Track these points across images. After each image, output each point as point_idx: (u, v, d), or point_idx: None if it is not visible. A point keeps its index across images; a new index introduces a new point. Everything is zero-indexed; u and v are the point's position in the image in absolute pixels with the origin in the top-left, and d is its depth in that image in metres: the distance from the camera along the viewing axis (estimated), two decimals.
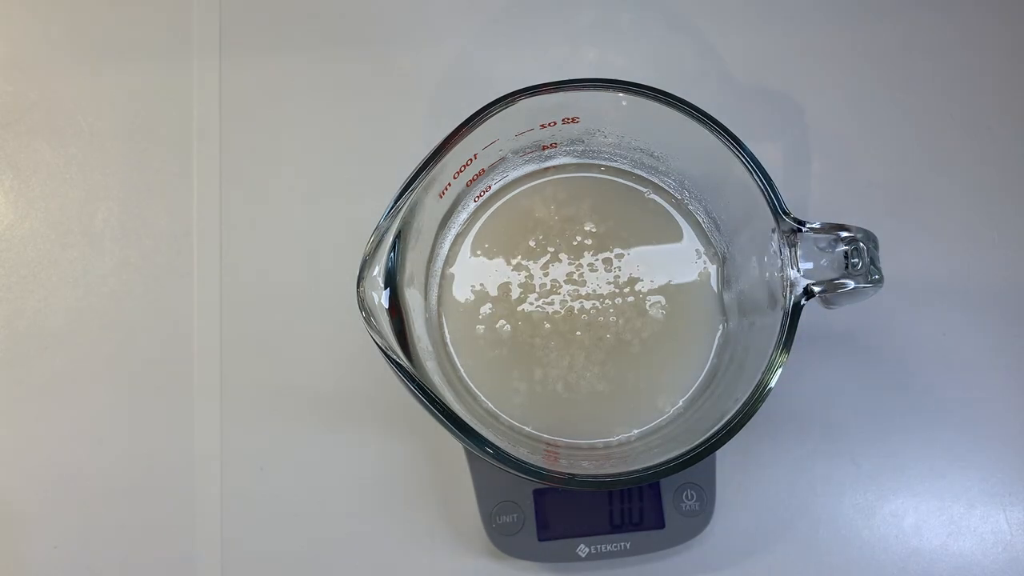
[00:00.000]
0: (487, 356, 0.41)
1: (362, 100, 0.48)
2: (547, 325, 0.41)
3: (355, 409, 0.45)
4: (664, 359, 0.41)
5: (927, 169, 0.48)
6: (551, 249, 0.42)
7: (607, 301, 0.41)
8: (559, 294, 0.41)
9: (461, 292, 0.42)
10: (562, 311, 0.41)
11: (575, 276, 0.42)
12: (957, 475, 0.45)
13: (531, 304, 0.41)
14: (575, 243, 0.42)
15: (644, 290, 0.41)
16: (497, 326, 0.41)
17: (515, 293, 0.41)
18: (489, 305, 0.41)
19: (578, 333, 0.41)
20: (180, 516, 0.44)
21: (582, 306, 0.41)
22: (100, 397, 0.45)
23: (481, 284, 0.42)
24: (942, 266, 0.47)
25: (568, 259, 0.42)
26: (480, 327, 0.41)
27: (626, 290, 0.41)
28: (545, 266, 0.42)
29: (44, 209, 0.47)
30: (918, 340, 0.46)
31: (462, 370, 0.41)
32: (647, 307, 0.41)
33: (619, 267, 0.42)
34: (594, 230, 0.42)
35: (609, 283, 0.42)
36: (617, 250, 0.42)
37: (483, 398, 0.41)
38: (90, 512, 0.44)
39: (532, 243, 0.42)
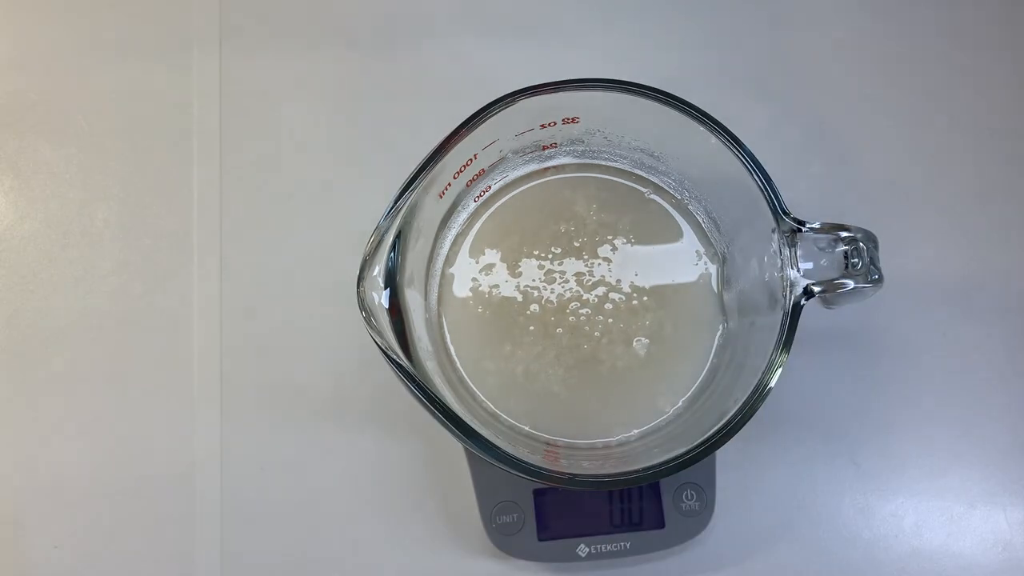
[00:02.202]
0: (471, 313, 0.41)
1: (362, 100, 0.48)
2: (534, 307, 0.41)
3: (355, 409, 0.45)
4: (664, 359, 0.41)
5: (927, 169, 0.48)
6: (549, 251, 0.42)
7: (598, 316, 0.41)
8: (558, 289, 0.41)
9: (461, 292, 0.42)
10: (555, 304, 0.41)
11: (574, 277, 0.42)
12: (957, 475, 0.45)
13: (526, 289, 0.41)
14: (573, 244, 0.42)
15: (639, 321, 0.41)
16: (486, 288, 0.41)
17: (513, 280, 0.42)
18: (486, 273, 0.42)
19: (559, 330, 0.41)
20: (180, 516, 0.44)
21: (575, 308, 0.41)
22: (100, 397, 0.45)
23: (481, 271, 0.42)
24: (942, 266, 0.47)
25: (567, 260, 0.42)
26: (477, 284, 0.41)
27: (622, 305, 0.41)
28: (544, 264, 0.42)
29: (44, 209, 0.47)
30: (918, 340, 0.46)
31: (462, 370, 0.41)
32: (632, 341, 0.41)
33: (619, 278, 0.42)
34: (593, 231, 0.42)
35: (611, 302, 0.42)
36: (617, 254, 0.42)
37: (482, 397, 0.41)
38: (90, 512, 0.44)
39: (531, 243, 0.42)
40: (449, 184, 0.39)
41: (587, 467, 0.37)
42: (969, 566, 0.44)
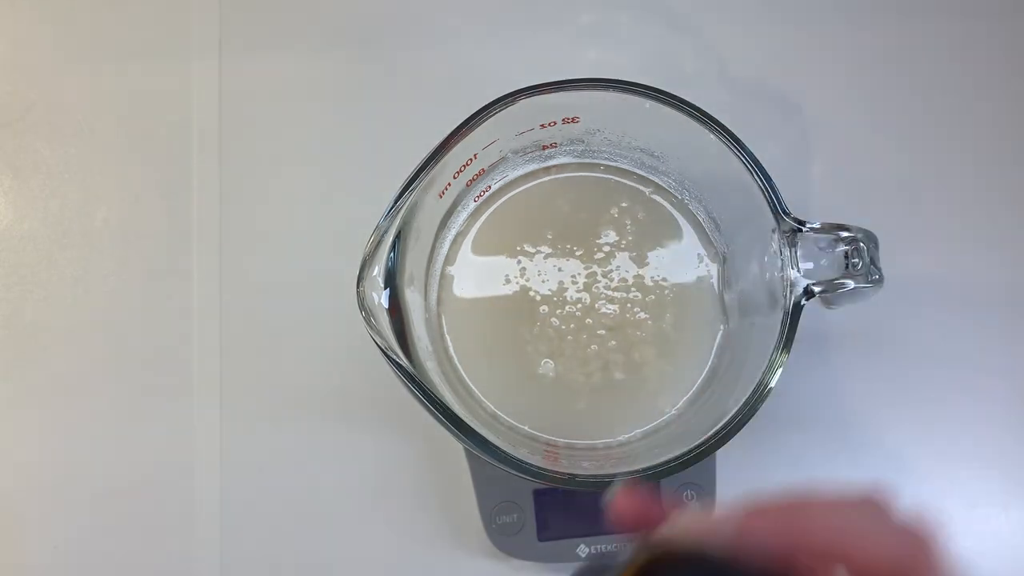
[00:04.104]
0: (471, 313, 0.42)
1: (361, 100, 0.48)
2: (533, 307, 0.41)
3: (355, 409, 0.45)
4: (665, 359, 0.41)
5: (927, 169, 0.48)
6: (550, 252, 0.42)
7: (598, 317, 0.41)
8: (557, 289, 0.41)
9: (461, 292, 0.42)
10: (555, 304, 0.41)
11: (574, 278, 0.42)
12: (957, 475, 0.45)
13: (526, 290, 0.41)
14: (573, 244, 0.42)
15: (639, 321, 0.41)
16: (486, 288, 0.42)
17: (512, 281, 0.42)
18: (486, 273, 0.42)
19: (559, 330, 0.41)
20: (180, 516, 0.44)
21: (575, 308, 0.41)
22: (100, 397, 0.45)
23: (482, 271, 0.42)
24: (942, 266, 0.47)
25: (567, 261, 0.42)
26: (477, 284, 0.42)
27: (622, 305, 0.41)
28: (544, 265, 0.42)
29: (43, 209, 0.47)
30: (918, 340, 0.46)
31: (462, 370, 0.41)
32: (633, 341, 0.41)
33: (620, 278, 0.42)
34: (593, 231, 0.42)
35: (611, 302, 0.42)
36: (618, 254, 0.42)
37: (482, 397, 0.41)
38: (90, 512, 0.44)
39: (531, 243, 0.42)
40: (449, 184, 0.39)
41: (587, 467, 0.37)
42: (969, 566, 0.44)
